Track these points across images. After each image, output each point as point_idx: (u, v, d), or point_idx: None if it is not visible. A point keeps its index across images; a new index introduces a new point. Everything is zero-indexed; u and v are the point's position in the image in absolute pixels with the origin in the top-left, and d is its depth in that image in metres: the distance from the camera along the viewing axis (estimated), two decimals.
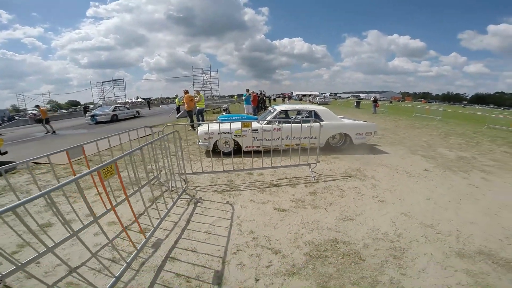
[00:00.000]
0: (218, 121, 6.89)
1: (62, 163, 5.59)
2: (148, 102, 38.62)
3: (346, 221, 3.04)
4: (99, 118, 16.28)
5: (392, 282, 2.09)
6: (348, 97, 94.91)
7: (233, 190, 3.99)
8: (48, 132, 12.38)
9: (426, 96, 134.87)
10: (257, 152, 5.70)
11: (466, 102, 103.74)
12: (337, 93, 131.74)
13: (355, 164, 5.31)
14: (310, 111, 6.37)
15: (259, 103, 15.92)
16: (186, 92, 10.17)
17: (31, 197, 1.42)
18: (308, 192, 3.89)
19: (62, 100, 59.38)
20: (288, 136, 5.46)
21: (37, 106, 13.50)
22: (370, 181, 4.35)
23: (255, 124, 5.86)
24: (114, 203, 2.17)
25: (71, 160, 2.73)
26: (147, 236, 2.50)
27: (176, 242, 2.64)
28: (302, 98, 41.80)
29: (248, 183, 4.31)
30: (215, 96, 23.07)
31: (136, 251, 2.27)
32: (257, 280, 2.12)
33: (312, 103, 34.31)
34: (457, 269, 2.22)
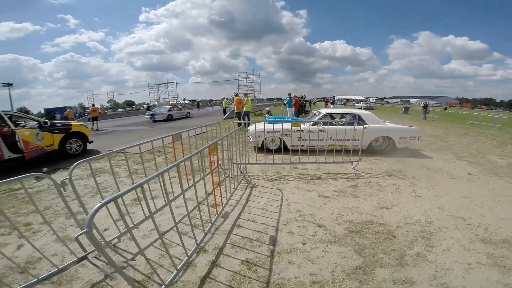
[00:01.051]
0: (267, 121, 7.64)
1: (136, 152, 6.85)
2: (198, 103, 41.48)
3: (382, 209, 3.49)
4: (157, 117, 18.38)
5: (419, 255, 2.52)
6: (396, 102, 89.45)
7: (281, 180, 4.66)
8: (92, 129, 13.83)
9: (488, 103, 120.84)
10: (302, 151, 6.25)
11: None
12: (384, 98, 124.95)
13: (396, 165, 5.60)
14: (354, 115, 6.78)
15: (300, 107, 16.44)
16: (236, 95, 11.20)
17: (150, 176, 1.89)
18: (349, 185, 4.38)
19: (120, 99, 66.20)
20: (332, 137, 5.96)
21: (93, 105, 15.81)
22: (409, 180, 4.66)
23: (301, 125, 6.45)
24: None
25: (175, 142, 3.65)
26: (219, 210, 3.27)
27: (239, 214, 3.36)
28: (345, 103, 40.89)
29: (294, 175, 4.95)
30: (257, 99, 24.19)
31: (213, 220, 3.04)
32: (304, 244, 2.72)
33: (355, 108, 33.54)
34: (478, 252, 2.55)
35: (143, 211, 3.10)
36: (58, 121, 8.31)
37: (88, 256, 2.44)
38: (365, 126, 5.45)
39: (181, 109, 21.72)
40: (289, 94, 13.31)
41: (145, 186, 3.16)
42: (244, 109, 11.14)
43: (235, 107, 10.92)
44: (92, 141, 8.10)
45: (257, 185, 4.38)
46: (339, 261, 2.41)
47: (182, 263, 2.27)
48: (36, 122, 6.84)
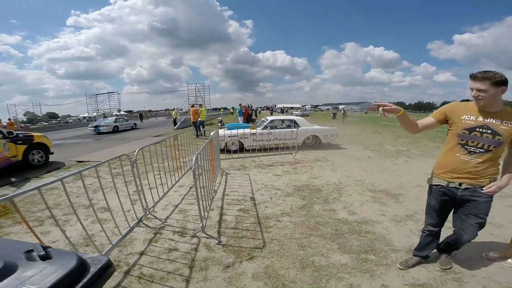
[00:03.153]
0: (226, 127, 9.31)
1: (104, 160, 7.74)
2: (141, 114, 39.98)
3: (313, 179, 5.53)
4: (102, 129, 18.06)
5: (335, 198, 4.49)
6: (328, 109, 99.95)
7: (245, 169, 6.42)
8: None
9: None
10: (256, 149, 8.21)
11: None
12: (318, 105, 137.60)
13: (321, 155, 7.93)
14: (291, 120, 9.05)
15: (248, 115, 18.59)
16: (192, 106, 12.59)
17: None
18: (291, 168, 6.42)
19: (39, 112, 56.63)
20: (277, 137, 8.08)
21: (9, 119, 15.02)
22: (330, 162, 6.95)
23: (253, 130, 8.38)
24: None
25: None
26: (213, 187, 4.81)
27: (224, 189, 4.95)
28: (287, 111, 45.18)
29: (253, 165, 6.77)
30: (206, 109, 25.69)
31: (212, 195, 4.57)
32: (271, 198, 4.47)
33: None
34: (367, 196, 4.62)
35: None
36: (20, 132, 8.31)
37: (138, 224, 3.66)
38: (299, 128, 7.66)
39: (126, 120, 21.54)
40: (240, 105, 15.42)
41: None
42: (199, 119, 12.57)
43: (191, 117, 12.26)
44: (53, 152, 8.29)
45: (229, 173, 6.05)
46: (292, 203, 4.24)
47: (203, 218, 3.70)
48: None
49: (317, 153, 8.10)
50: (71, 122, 42.19)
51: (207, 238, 3.16)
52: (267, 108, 49.48)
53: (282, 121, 9.25)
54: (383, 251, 2.86)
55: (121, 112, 54.50)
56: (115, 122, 19.44)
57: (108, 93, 30.54)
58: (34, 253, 0.86)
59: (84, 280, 0.80)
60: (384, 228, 3.38)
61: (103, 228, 2.76)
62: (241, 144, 8.26)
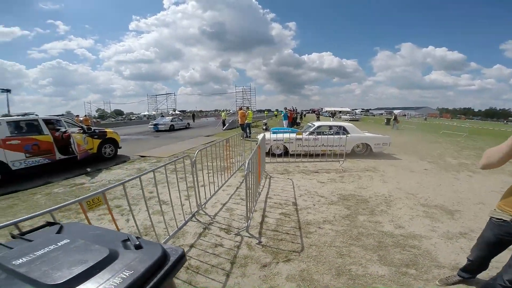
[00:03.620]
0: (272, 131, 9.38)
1: (164, 156, 8.55)
2: (193, 115, 43.00)
3: (360, 189, 5.31)
4: (160, 127, 19.84)
5: (382, 211, 4.28)
6: (381, 113, 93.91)
7: (289, 173, 6.45)
8: None
9: (467, 112, 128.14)
10: (301, 154, 8.16)
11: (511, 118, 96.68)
12: (370, 109, 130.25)
13: (371, 164, 7.52)
14: (340, 126, 8.74)
15: (293, 119, 18.54)
16: (240, 109, 13.09)
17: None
18: (338, 176, 6.24)
19: (108, 109, 65.54)
20: (323, 144, 7.87)
21: (85, 115, 17.29)
22: (380, 173, 6.57)
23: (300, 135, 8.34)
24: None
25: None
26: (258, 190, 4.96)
27: (267, 192, 5.07)
28: (334, 115, 43.99)
29: (297, 170, 6.75)
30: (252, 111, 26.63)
31: (256, 196, 4.72)
32: (314, 205, 4.45)
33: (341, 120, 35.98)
34: (418, 210, 4.32)
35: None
36: (96, 127, 9.49)
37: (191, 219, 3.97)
38: (348, 135, 7.38)
39: (181, 120, 23.29)
40: (285, 108, 15.52)
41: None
42: (246, 121, 12.99)
43: (239, 119, 12.76)
44: (121, 147, 9.48)
45: (273, 176, 6.15)
46: (336, 212, 4.16)
47: (248, 218, 3.81)
48: (79, 128, 7.99)
49: (367, 162, 7.72)
50: (134, 119, 48.23)
51: (249, 237, 3.32)
52: (313, 112, 48.81)
53: (330, 127, 9.01)
54: (426, 266, 2.74)
55: (176, 112, 59.44)
56: (171, 121, 21.19)
57: (166, 94, 34.85)
58: (129, 242, 1.06)
59: (166, 268, 0.97)
60: (431, 244, 3.18)
61: (164, 219, 3.12)
62: (286, 149, 8.31)
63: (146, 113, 41.59)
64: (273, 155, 8.02)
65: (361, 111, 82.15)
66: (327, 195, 4.93)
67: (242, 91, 25.03)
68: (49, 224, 1.34)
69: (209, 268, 2.71)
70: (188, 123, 24.09)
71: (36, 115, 7.11)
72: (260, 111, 58.66)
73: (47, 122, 7.29)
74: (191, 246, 3.16)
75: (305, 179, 5.99)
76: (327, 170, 6.81)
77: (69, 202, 1.85)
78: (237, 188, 5.30)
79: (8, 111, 30.40)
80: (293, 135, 8.13)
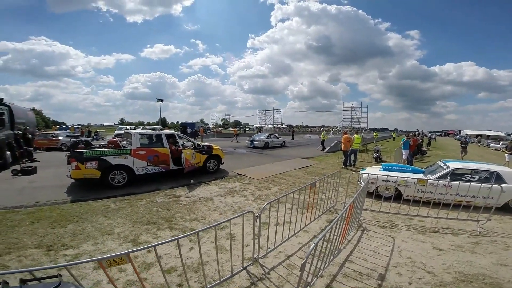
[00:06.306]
0: (381, 169, 8.08)
1: (256, 178, 9.29)
2: (292, 130, 45.31)
3: (500, 265, 3.83)
4: (256, 144, 21.66)
5: None
6: None
7: (394, 228, 5.33)
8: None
9: None
10: (417, 201, 6.48)
11: None
12: None
13: None
14: (491, 172, 6.54)
15: (416, 146, 15.67)
16: (345, 133, 12.36)
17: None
18: (469, 241, 4.73)
19: (229, 119, 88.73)
20: (459, 193, 6.14)
21: (201, 126, 20.23)
22: None
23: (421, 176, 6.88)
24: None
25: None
26: (332, 244, 4.39)
27: (351, 252, 4.30)
28: (480, 140, 35.40)
29: (408, 225, 5.52)
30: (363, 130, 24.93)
31: (330, 252, 4.16)
32: (410, 284, 3.43)
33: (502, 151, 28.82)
34: None
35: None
36: (205, 144, 11.12)
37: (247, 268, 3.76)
38: (503, 186, 5.59)
39: (277, 138, 24.35)
40: (407, 135, 13.53)
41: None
42: (351, 148, 12.14)
43: (343, 145, 11.96)
44: (223, 163, 10.96)
45: (368, 229, 5.24)
46: None
47: (308, 285, 3.25)
48: (192, 144, 9.85)
49: None
50: (248, 130, 61.69)
51: None
52: (447, 134, 40.91)
53: (476, 171, 6.80)
54: None
55: (283, 126, 69.64)
56: (266, 138, 22.59)
57: (273, 110, 44.64)
58: None
59: None
60: None
61: (218, 260, 3.38)
62: (399, 191, 6.93)
63: (258, 125, 50.82)
64: (379, 196, 6.88)
65: None
66: (439, 271, 3.75)
67: (352, 108, 23.83)
68: (55, 277, 1.65)
69: None
70: (284, 141, 24.99)
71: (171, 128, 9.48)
72: (374, 129, 53.73)
73: (168, 136, 9.33)
74: None
75: (415, 240, 4.81)
76: (455, 230, 5.28)
77: (88, 259, 2.26)
78: (314, 236, 4.83)
79: (160, 115, 48.49)
80: (412, 176, 6.66)
